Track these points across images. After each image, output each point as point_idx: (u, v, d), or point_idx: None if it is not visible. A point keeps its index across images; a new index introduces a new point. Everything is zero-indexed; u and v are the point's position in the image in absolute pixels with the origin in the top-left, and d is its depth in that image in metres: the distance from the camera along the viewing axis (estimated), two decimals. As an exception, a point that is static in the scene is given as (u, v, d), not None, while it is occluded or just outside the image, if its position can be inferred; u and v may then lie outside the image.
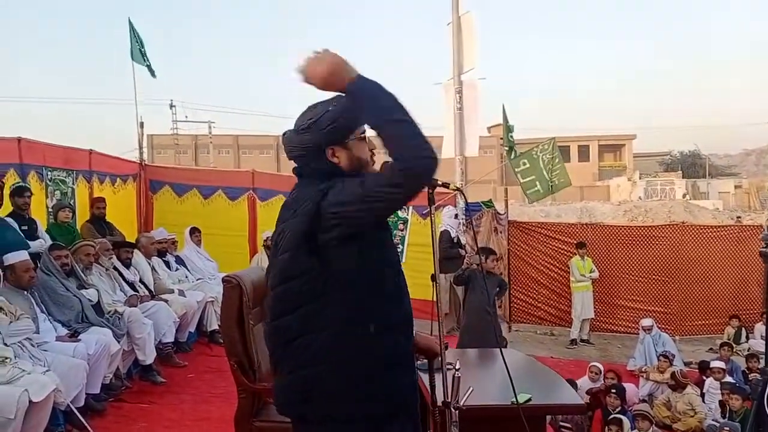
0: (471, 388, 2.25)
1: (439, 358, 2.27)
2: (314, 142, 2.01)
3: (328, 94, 2.00)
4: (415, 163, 1.81)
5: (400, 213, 9.67)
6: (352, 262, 1.94)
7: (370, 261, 1.97)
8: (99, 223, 7.40)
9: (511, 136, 10.91)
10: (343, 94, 1.94)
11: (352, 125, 2.02)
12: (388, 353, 1.99)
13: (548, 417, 4.88)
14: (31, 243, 5.68)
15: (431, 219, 2.13)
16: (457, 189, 2.14)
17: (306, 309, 1.98)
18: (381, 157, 2.12)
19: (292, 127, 2.09)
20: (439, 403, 2.12)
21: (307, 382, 1.99)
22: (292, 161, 2.10)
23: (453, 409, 2.09)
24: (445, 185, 2.11)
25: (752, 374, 8.26)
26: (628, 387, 7.55)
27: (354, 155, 2.04)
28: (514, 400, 2.47)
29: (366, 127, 2.05)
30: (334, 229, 1.90)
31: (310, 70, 1.89)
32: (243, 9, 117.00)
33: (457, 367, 2.12)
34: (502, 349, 2.82)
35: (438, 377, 2.17)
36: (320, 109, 2.02)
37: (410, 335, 2.13)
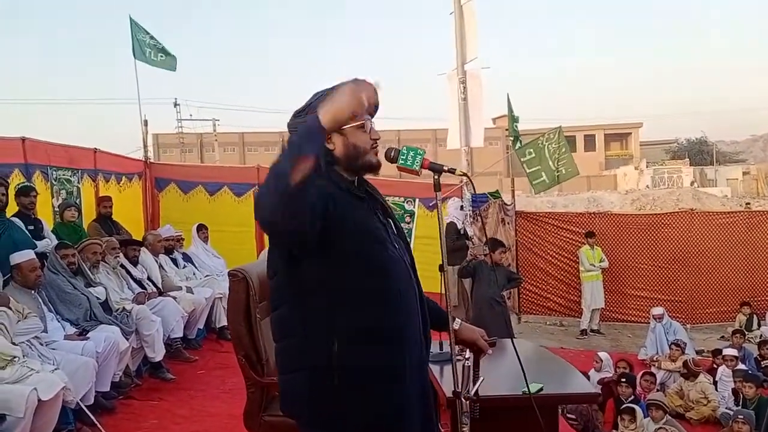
0: (482, 378, 2.21)
1: (482, 354, 2.24)
2: None
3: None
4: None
5: (406, 206, 9.64)
6: (322, 269, 1.84)
7: (344, 268, 1.86)
8: (105, 221, 7.39)
9: (516, 126, 10.83)
10: (343, 83, 1.88)
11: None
12: (364, 367, 1.85)
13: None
14: (37, 243, 5.66)
15: (438, 206, 2.09)
16: (464, 174, 2.10)
17: (282, 310, 1.94)
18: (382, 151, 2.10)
19: None
20: (449, 394, 2.08)
21: (289, 385, 1.95)
22: None
23: (464, 400, 2.06)
24: (451, 171, 2.07)
25: (765, 361, 8.22)
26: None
27: (350, 142, 1.98)
28: (525, 390, 2.43)
29: (367, 115, 1.99)
30: None
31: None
32: (247, 5, 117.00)
33: (467, 357, 2.08)
34: (514, 339, 2.77)
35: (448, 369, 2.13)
36: (318, 94, 1.99)
37: (404, 344, 1.94)
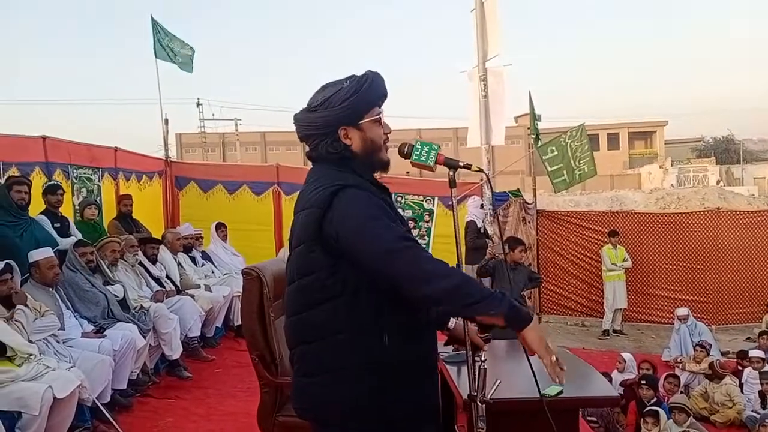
0: (499, 381, 2.15)
1: (480, 351, 2.19)
2: (326, 121, 1.93)
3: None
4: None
5: (425, 204, 9.57)
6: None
7: None
8: (126, 220, 7.42)
9: (537, 124, 10.70)
10: (356, 75, 1.94)
11: (366, 105, 1.94)
12: (406, 361, 1.90)
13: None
14: (64, 240, 5.73)
15: (453, 203, 2.03)
16: (479, 170, 2.03)
17: (320, 309, 1.89)
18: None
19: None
20: (465, 397, 2.02)
21: (324, 387, 1.91)
22: (304, 143, 2.02)
23: (480, 403, 1.99)
24: (467, 166, 2.01)
25: (793, 363, 8.00)
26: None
27: (367, 137, 1.96)
28: (542, 393, 2.36)
29: (381, 109, 1.97)
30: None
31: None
32: (268, 3, 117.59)
33: (483, 359, 2.01)
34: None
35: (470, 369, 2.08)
36: (333, 87, 1.95)
37: (430, 343, 2.04)
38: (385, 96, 2.00)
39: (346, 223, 1.80)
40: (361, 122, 1.94)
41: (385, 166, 2.03)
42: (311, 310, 1.91)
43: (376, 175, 2.04)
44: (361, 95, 1.92)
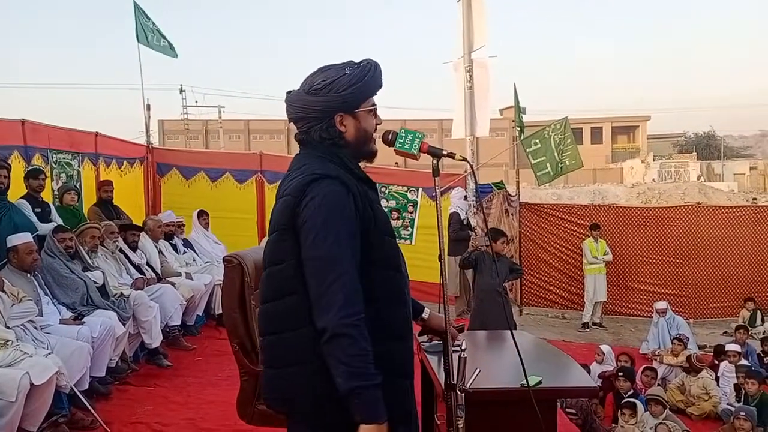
0: (478, 370, 2.15)
1: (457, 340, 2.19)
2: (326, 105, 1.91)
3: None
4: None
5: (409, 195, 9.57)
6: None
7: (363, 262, 1.82)
8: (106, 206, 7.34)
9: (522, 117, 10.71)
10: (354, 61, 1.93)
11: (366, 94, 1.94)
12: (382, 359, 1.80)
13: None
14: (44, 225, 5.67)
15: (437, 193, 2.02)
16: (463, 159, 2.03)
17: (289, 299, 1.84)
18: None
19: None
20: (444, 386, 2.02)
21: (289, 380, 1.86)
22: (294, 123, 1.99)
23: (459, 392, 1.99)
24: (451, 155, 2.01)
25: (768, 357, 8.13)
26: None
27: (361, 126, 1.95)
28: (524, 382, 2.37)
29: (375, 99, 1.98)
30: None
31: None
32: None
33: (463, 348, 2.01)
34: (513, 331, 2.70)
35: (444, 359, 2.08)
36: (334, 72, 1.92)
37: (407, 340, 1.98)
38: (381, 87, 1.99)
39: (309, 214, 1.78)
40: (357, 111, 1.93)
41: (372, 156, 2.03)
42: (278, 301, 1.87)
43: (361, 165, 2.02)
44: (365, 83, 1.91)
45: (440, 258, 2.16)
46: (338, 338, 1.71)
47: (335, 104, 1.90)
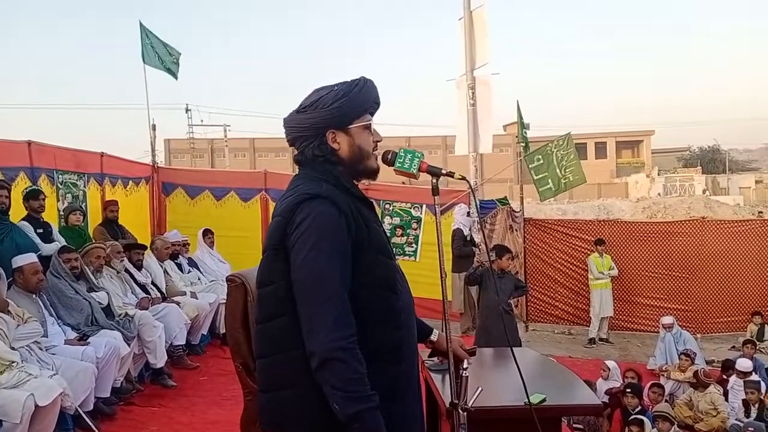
0: (480, 389, 2.14)
1: (464, 362, 2.17)
2: (314, 122, 1.90)
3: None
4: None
5: (413, 212, 9.58)
6: None
7: (357, 285, 1.80)
8: (111, 226, 7.38)
9: (526, 133, 10.74)
10: (348, 81, 1.92)
11: (356, 110, 1.92)
12: (374, 383, 1.74)
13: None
14: (47, 246, 5.67)
15: (436, 210, 2.03)
16: (462, 178, 2.03)
17: (281, 321, 1.82)
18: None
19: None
20: (447, 405, 2.01)
21: (282, 404, 1.84)
22: (293, 146, 1.99)
23: (461, 411, 1.99)
24: (450, 174, 2.01)
25: (777, 372, 8.06)
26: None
27: (355, 143, 1.93)
28: (527, 400, 2.36)
29: (370, 116, 1.96)
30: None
31: None
32: (257, 10, 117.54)
33: (464, 366, 2.01)
34: (513, 349, 2.69)
35: (452, 380, 2.06)
36: (324, 90, 1.93)
37: (403, 362, 1.91)
38: (377, 104, 1.98)
39: (298, 234, 1.77)
40: (350, 127, 1.91)
41: (373, 173, 2.00)
42: (269, 322, 1.85)
43: (365, 182, 2.03)
44: (351, 98, 1.89)
45: (442, 275, 2.16)
46: (329, 363, 1.69)
47: (323, 120, 1.89)
